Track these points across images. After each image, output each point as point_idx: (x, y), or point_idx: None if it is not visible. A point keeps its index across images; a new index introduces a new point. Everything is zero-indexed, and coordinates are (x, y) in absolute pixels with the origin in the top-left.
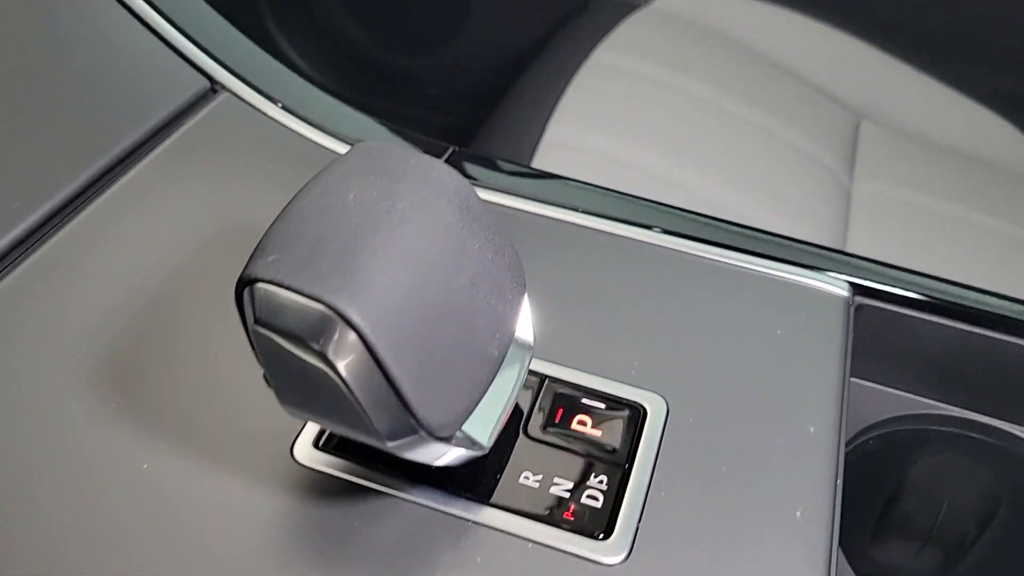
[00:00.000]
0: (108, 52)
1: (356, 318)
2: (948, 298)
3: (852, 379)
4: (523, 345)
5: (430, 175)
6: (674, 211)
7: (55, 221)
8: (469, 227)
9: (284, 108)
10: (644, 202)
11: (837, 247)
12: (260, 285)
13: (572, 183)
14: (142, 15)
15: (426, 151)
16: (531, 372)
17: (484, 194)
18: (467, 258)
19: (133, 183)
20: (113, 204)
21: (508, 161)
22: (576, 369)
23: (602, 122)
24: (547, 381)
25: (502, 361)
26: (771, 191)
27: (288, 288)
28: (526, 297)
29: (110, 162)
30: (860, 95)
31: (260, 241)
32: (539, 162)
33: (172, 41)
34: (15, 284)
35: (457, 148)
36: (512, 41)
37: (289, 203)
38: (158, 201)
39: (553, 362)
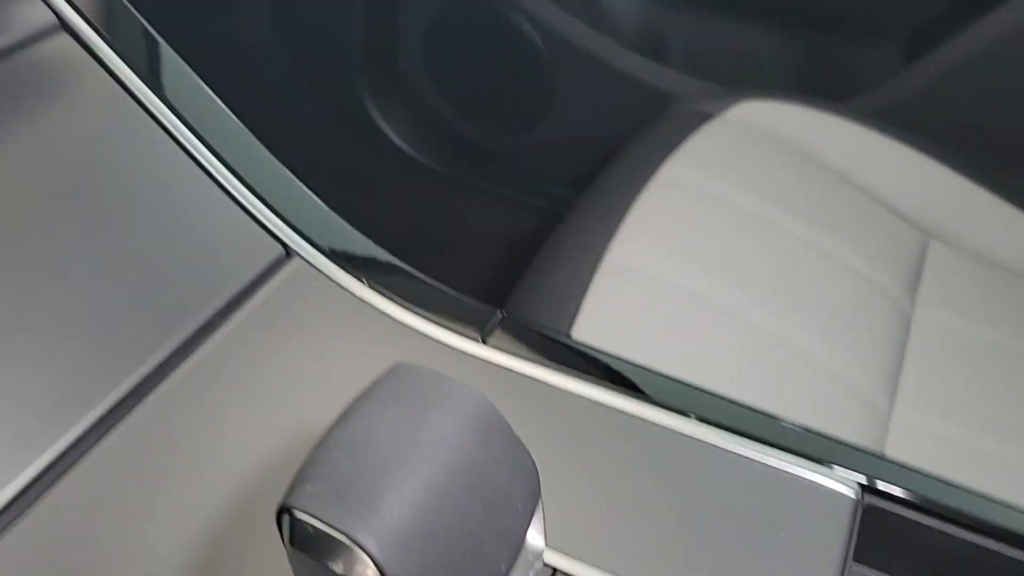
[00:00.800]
0: (186, 214)
1: (375, 552)
2: (966, 509)
3: (855, 565)
4: (533, 550)
5: (456, 402)
6: (690, 390)
7: (129, 403)
8: (487, 448)
9: (349, 273)
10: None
11: (891, 379)
12: (297, 513)
13: (610, 358)
14: (218, 176)
15: (477, 316)
16: (544, 563)
17: (521, 365)
18: (483, 482)
19: (204, 363)
20: (180, 388)
21: (548, 334)
22: (585, 562)
23: (665, 243)
24: (556, 574)
25: (510, 570)
26: (829, 319)
27: (319, 519)
28: (540, 503)
29: (184, 339)
30: (931, 214)
31: (301, 468)
32: (597, 285)
33: (248, 206)
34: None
35: (503, 313)
36: (590, 136)
37: (329, 430)
38: (221, 391)
39: (563, 552)
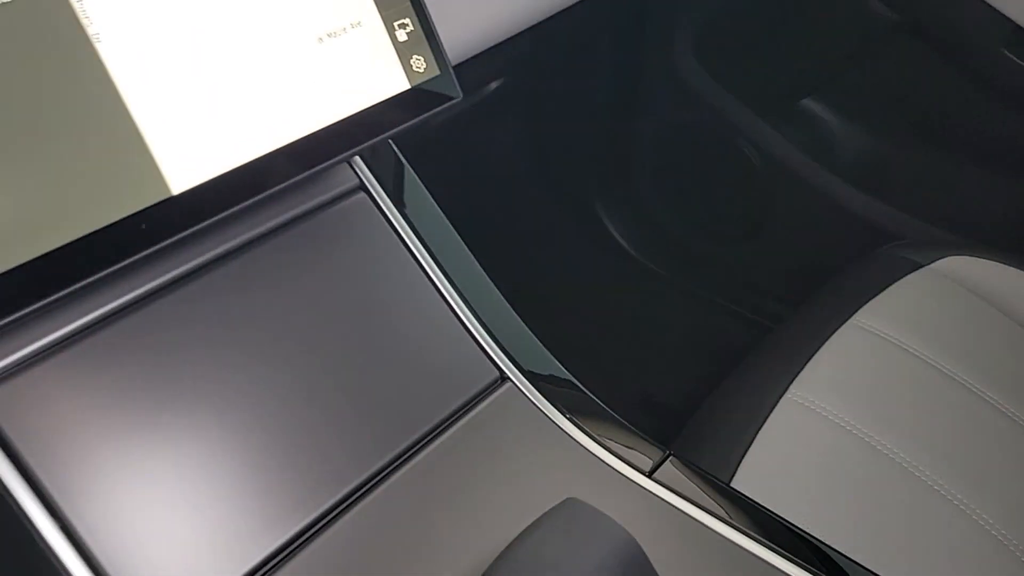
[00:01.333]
0: (422, 337)
1: None
2: None
3: None
4: None
5: (610, 541)
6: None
7: (354, 496)
8: None
9: (548, 399)
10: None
11: None
12: None
13: (769, 515)
14: (454, 306)
15: (647, 450)
16: None
17: (682, 504)
18: None
19: (415, 472)
20: (392, 493)
21: (711, 478)
22: None
23: (848, 390)
24: None
25: None
26: (1007, 491)
27: None
28: None
29: (401, 450)
30: None
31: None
32: (772, 423)
33: (472, 330)
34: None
35: (671, 451)
36: (799, 258)
37: (509, 545)
38: (423, 500)
39: None
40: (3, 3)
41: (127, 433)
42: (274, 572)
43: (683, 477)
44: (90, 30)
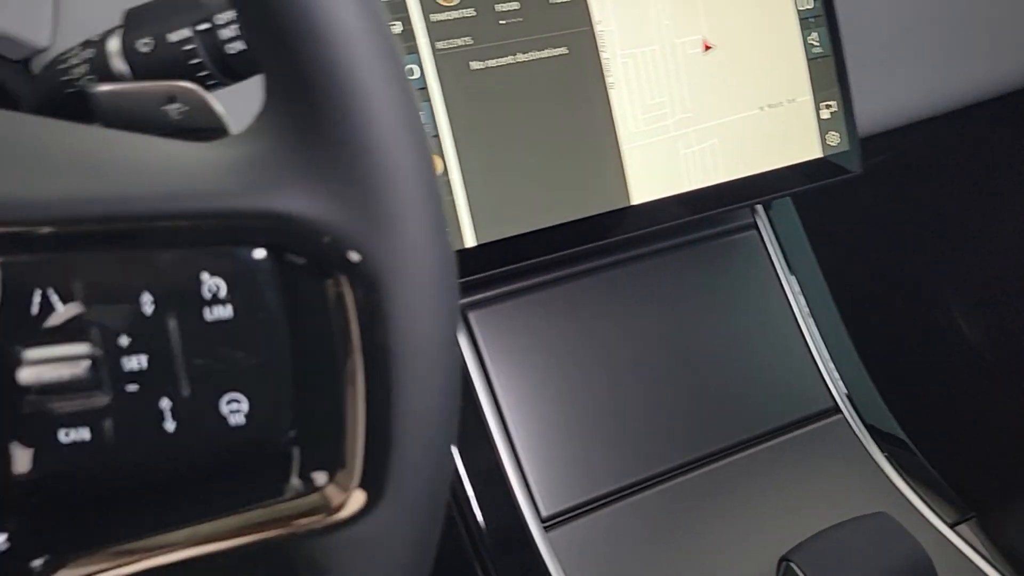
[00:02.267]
0: (770, 350)
1: None
2: None
3: None
4: None
5: (907, 553)
6: None
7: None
8: None
9: (872, 437)
10: None
11: None
12: (792, 564)
13: None
14: (805, 332)
15: (954, 505)
16: None
17: (980, 563)
18: None
19: (738, 464)
20: (715, 475)
21: (1014, 550)
22: None
23: None
24: None
25: None
26: None
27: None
28: None
29: (735, 442)
30: None
31: (799, 545)
32: None
33: (818, 361)
34: None
35: (976, 515)
36: None
37: (824, 530)
38: (738, 491)
39: None
40: (561, 54)
41: (553, 361)
42: (633, 495)
43: (985, 538)
44: (608, 79)
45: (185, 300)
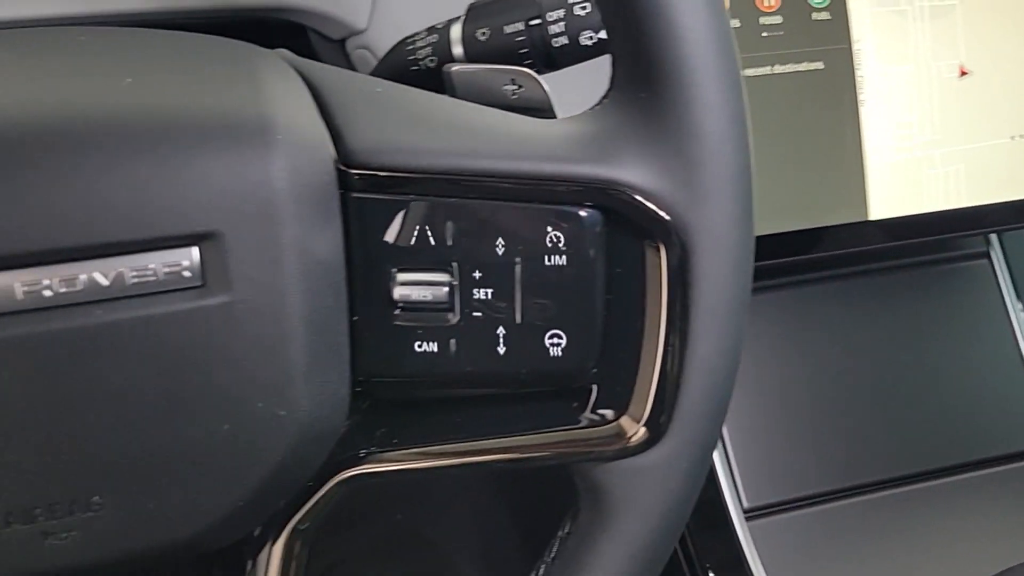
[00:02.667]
0: (987, 380)
1: None
2: None
3: None
4: None
5: None
6: None
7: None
8: None
9: None
10: None
11: None
12: None
13: None
14: None
15: None
16: None
17: None
18: None
19: (939, 489)
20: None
21: None
22: None
23: None
24: None
25: None
26: None
27: None
28: None
29: (924, 470)
30: None
31: None
32: None
33: None
34: None
35: None
36: None
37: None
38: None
39: None
40: (816, 69)
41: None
42: (834, 502)
43: None
44: (860, 96)
45: (530, 247)
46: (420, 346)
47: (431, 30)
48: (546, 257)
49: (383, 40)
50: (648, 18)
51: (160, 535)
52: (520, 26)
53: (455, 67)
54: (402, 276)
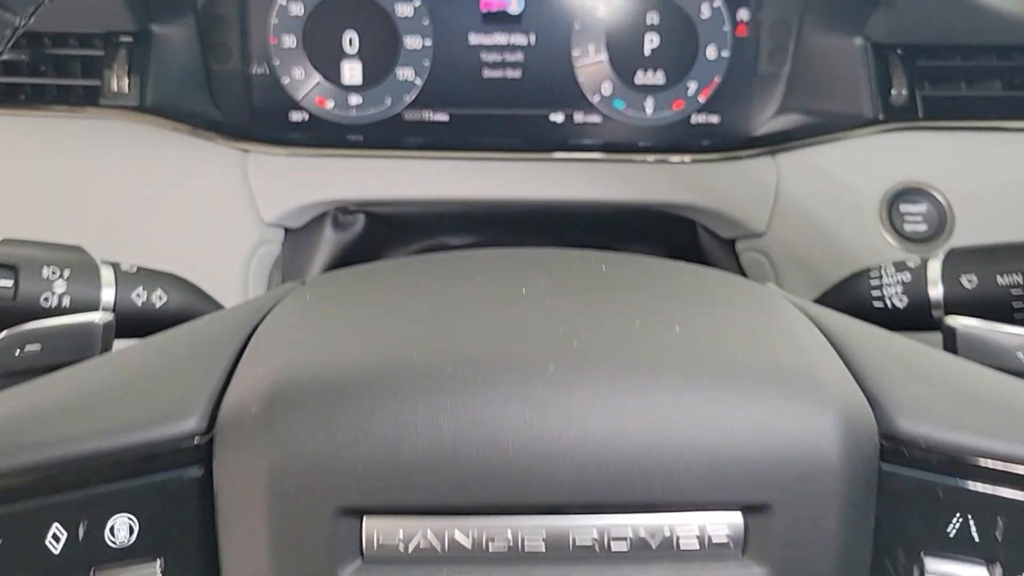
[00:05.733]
0: None
1: None
2: None
3: None
4: None
5: None
6: None
7: None
8: None
9: None
10: None
11: None
12: None
13: None
14: None
15: None
16: None
17: None
18: None
19: None
20: None
21: None
22: None
23: None
24: None
25: None
26: None
27: None
28: None
29: None
30: None
31: None
32: None
33: None
34: None
35: None
36: None
37: None
38: None
39: None
40: None
41: None
42: None
43: None
44: None
45: None
46: None
47: (899, 267)
48: None
49: (779, 246)
50: None
51: None
52: (1018, 278)
53: (962, 323)
54: (932, 563)
